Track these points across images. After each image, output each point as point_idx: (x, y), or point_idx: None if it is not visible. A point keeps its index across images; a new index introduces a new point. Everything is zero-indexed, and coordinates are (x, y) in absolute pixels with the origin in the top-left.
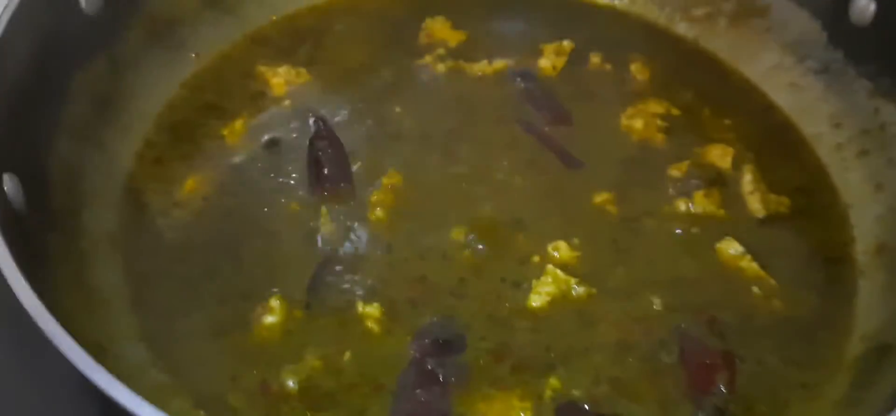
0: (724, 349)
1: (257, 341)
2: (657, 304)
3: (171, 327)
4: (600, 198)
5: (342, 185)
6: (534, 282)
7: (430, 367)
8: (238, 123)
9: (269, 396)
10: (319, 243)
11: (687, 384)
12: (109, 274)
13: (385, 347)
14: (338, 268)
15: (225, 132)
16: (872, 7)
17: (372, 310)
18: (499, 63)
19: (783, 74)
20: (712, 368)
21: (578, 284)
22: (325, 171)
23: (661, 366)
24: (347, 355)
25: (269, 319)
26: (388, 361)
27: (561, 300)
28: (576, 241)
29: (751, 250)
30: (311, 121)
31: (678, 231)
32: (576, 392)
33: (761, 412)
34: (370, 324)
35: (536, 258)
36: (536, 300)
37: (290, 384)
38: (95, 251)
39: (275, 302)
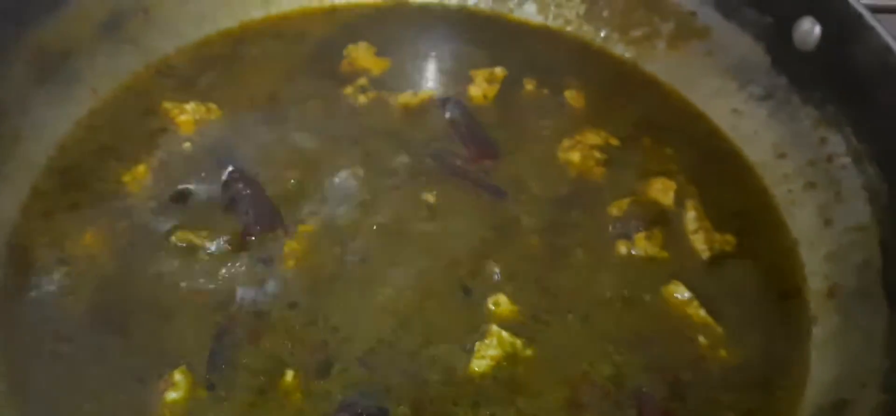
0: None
1: None
2: (607, 360)
3: (56, 406)
4: (536, 241)
5: (269, 227)
6: (477, 344)
7: None
8: (140, 168)
9: None
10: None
11: None
12: None
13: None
14: (240, 335)
15: (126, 179)
16: (817, 30)
17: (288, 381)
18: (424, 93)
19: (726, 99)
20: None
21: (524, 345)
22: (249, 213)
23: None
24: None
25: (172, 395)
26: None
27: (506, 363)
28: (512, 292)
29: (698, 294)
30: (225, 170)
31: (621, 277)
32: None
33: None
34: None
35: (477, 319)
36: (479, 365)
37: None
38: None
39: (179, 376)
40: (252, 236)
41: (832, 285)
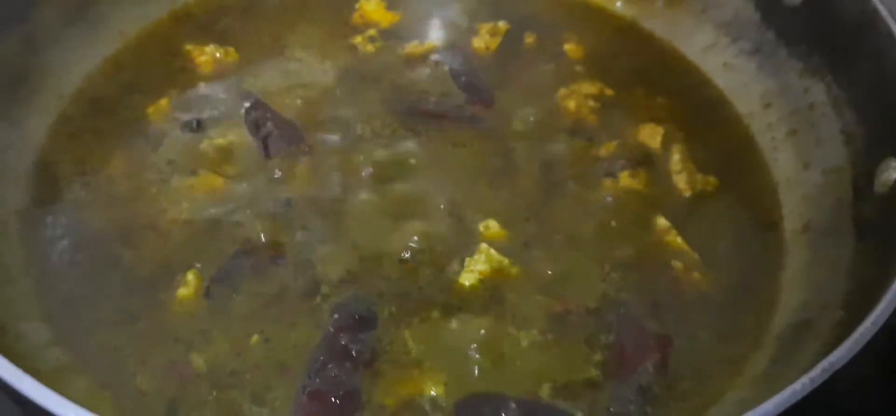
0: (661, 333)
1: (168, 321)
2: (589, 281)
3: (76, 311)
4: (528, 176)
5: (294, 140)
6: (466, 260)
7: (343, 343)
8: (163, 101)
9: (178, 376)
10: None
11: (617, 363)
12: (14, 252)
13: (295, 332)
14: (250, 261)
15: (150, 110)
16: None
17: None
18: (429, 44)
19: (718, 53)
20: (645, 349)
21: (512, 264)
22: (273, 131)
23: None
24: (255, 338)
25: (183, 291)
26: (298, 346)
27: (492, 279)
28: (503, 219)
29: (677, 226)
30: (242, 103)
31: (606, 209)
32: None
33: (685, 388)
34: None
35: (467, 236)
36: (468, 279)
37: (198, 364)
38: (2, 229)
39: (191, 276)
40: (278, 149)
41: (807, 222)
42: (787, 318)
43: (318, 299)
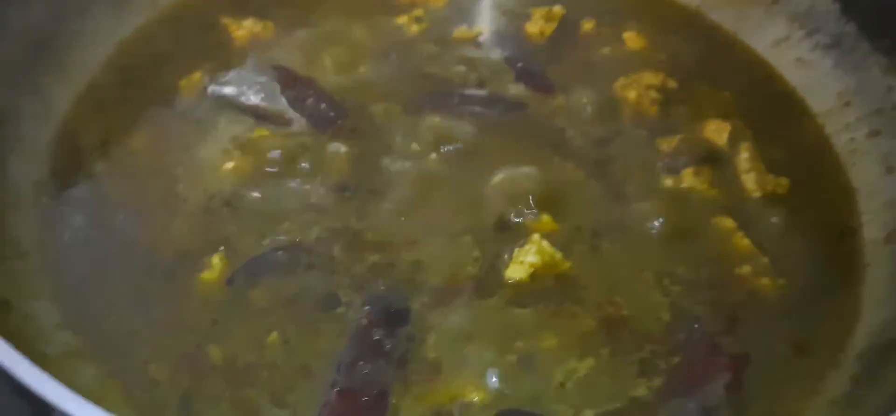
0: (737, 353)
1: (186, 308)
2: (647, 285)
3: (89, 292)
4: (584, 169)
5: (341, 120)
6: (516, 251)
7: (376, 338)
8: (196, 75)
9: (193, 368)
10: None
11: (680, 380)
12: (27, 226)
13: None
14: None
15: (183, 84)
16: None
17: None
18: (478, 28)
19: (790, 48)
20: (716, 367)
21: (564, 258)
22: (320, 108)
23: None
24: (274, 335)
25: (207, 274)
26: (321, 346)
27: (542, 273)
28: (555, 211)
29: (745, 229)
30: (282, 75)
31: (667, 208)
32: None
33: (756, 410)
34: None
35: (517, 227)
36: (516, 272)
37: (215, 356)
38: (17, 201)
39: (216, 259)
40: (323, 126)
41: (890, 232)
42: (869, 336)
43: (342, 307)
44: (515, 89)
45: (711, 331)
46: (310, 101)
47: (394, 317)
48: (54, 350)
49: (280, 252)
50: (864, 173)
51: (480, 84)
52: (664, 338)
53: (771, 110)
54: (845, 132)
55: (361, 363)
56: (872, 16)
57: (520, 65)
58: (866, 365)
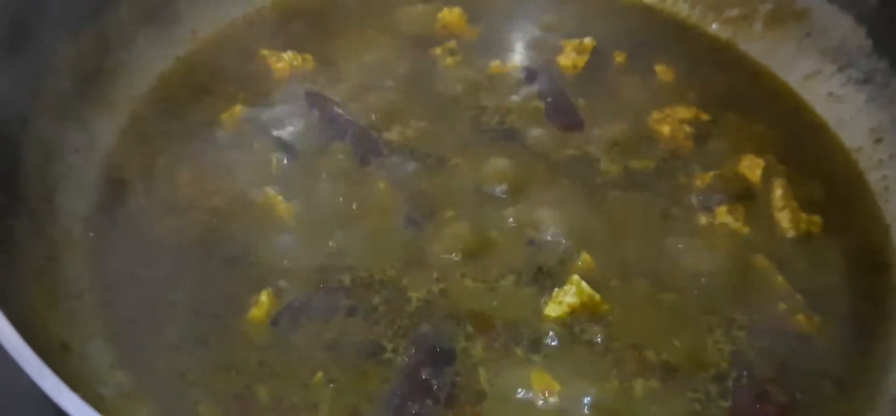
0: (782, 401)
1: (235, 346)
2: (689, 329)
3: (140, 331)
4: (619, 207)
5: (375, 157)
6: (555, 290)
7: (423, 377)
8: (237, 108)
9: (244, 410)
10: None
11: None
12: (79, 264)
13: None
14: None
15: (223, 116)
16: None
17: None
18: (512, 63)
19: (822, 82)
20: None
21: (602, 300)
22: (355, 143)
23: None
24: (319, 376)
25: (255, 312)
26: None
27: (580, 313)
28: (592, 250)
29: (781, 268)
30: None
31: (702, 247)
32: None
33: None
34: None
35: (556, 267)
36: (554, 310)
37: (262, 396)
38: (67, 239)
39: (264, 296)
40: (368, 159)
41: None
42: None
43: (389, 352)
44: (547, 126)
45: (760, 375)
46: (348, 136)
47: (441, 356)
48: (109, 391)
49: (324, 292)
50: None
51: (511, 119)
52: (710, 382)
53: (803, 145)
54: (878, 169)
55: (410, 403)
56: None
57: (551, 99)
58: None
